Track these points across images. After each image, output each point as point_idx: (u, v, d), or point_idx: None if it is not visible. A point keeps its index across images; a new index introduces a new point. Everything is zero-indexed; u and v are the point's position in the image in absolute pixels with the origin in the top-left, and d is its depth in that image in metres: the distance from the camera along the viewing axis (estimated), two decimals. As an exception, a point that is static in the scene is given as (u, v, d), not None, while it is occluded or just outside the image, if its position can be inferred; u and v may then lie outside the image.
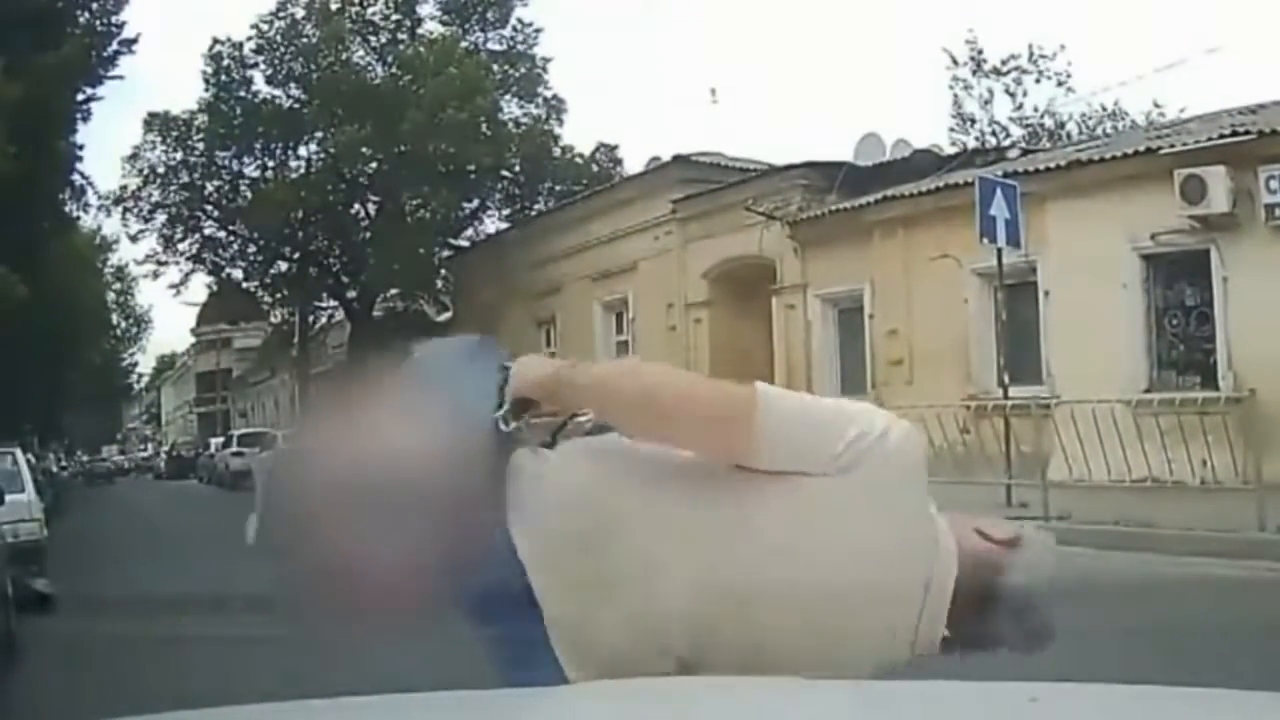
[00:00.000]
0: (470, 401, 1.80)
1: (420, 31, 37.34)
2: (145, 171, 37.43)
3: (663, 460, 1.81)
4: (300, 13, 36.27)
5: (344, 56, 35.92)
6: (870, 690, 1.52)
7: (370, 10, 37.10)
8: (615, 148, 38.52)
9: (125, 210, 37.90)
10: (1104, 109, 33.95)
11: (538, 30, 37.66)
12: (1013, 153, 22.89)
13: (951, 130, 34.20)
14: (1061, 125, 33.92)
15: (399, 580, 1.58)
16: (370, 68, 36.81)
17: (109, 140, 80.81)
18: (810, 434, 1.75)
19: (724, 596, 1.63)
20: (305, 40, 35.99)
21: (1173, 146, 15.62)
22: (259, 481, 1.96)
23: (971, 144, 30.39)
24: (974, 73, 34.08)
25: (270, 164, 37.66)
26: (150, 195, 37.80)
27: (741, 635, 1.60)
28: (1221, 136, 15.01)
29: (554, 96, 37.63)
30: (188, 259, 39.56)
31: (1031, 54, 33.61)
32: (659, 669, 1.57)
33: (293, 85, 36.54)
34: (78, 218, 34.06)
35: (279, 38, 36.31)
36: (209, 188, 38.06)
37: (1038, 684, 1.53)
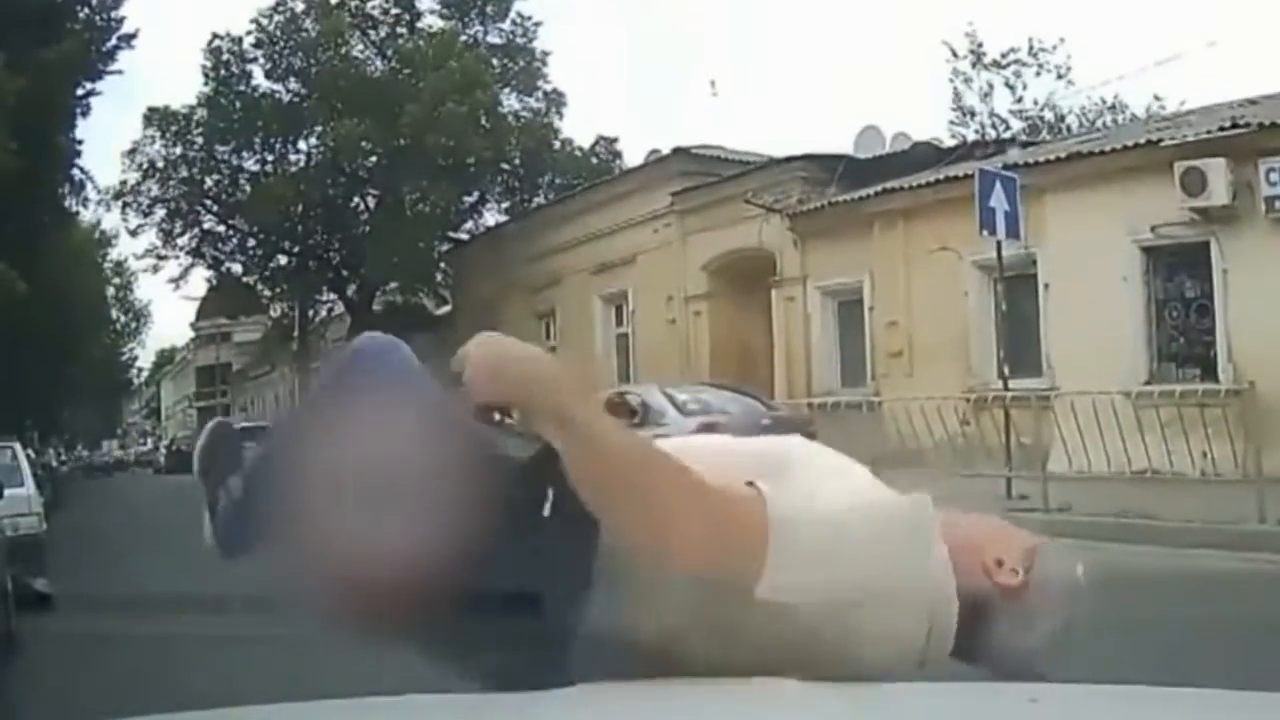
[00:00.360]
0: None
1: (419, 25, 37.32)
2: (145, 166, 37.48)
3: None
4: (299, 7, 36.29)
5: (343, 51, 35.92)
6: (869, 690, 1.52)
7: (369, 4, 37.08)
8: (615, 140, 38.59)
9: (125, 205, 37.97)
10: (1104, 102, 34.06)
11: (537, 24, 37.68)
12: (1012, 145, 22.88)
13: (951, 123, 34.32)
14: (1061, 118, 34.00)
15: (396, 578, 1.56)
16: (370, 62, 36.81)
17: (108, 135, 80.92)
18: (823, 569, 1.55)
19: (729, 606, 1.60)
20: (304, 35, 35.99)
21: (1173, 139, 15.61)
22: (204, 461, 1.74)
23: (971, 137, 30.44)
24: (974, 65, 34.17)
25: (270, 158, 37.67)
26: (150, 190, 37.85)
27: (749, 644, 1.57)
28: (1221, 129, 15.00)
29: (553, 90, 37.66)
30: (187, 253, 39.65)
31: (1031, 47, 33.72)
32: (668, 671, 1.55)
33: (292, 80, 36.55)
34: (77, 213, 34.14)
35: (278, 32, 36.32)
36: (208, 182, 38.07)
37: (1037, 684, 1.53)
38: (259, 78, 36.84)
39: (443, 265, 37.89)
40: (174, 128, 37.03)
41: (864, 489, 1.70)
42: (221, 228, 39.25)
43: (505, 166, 36.45)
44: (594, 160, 37.24)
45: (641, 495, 1.53)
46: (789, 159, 22.57)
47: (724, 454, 1.76)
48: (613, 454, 1.55)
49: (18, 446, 13.03)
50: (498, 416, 1.63)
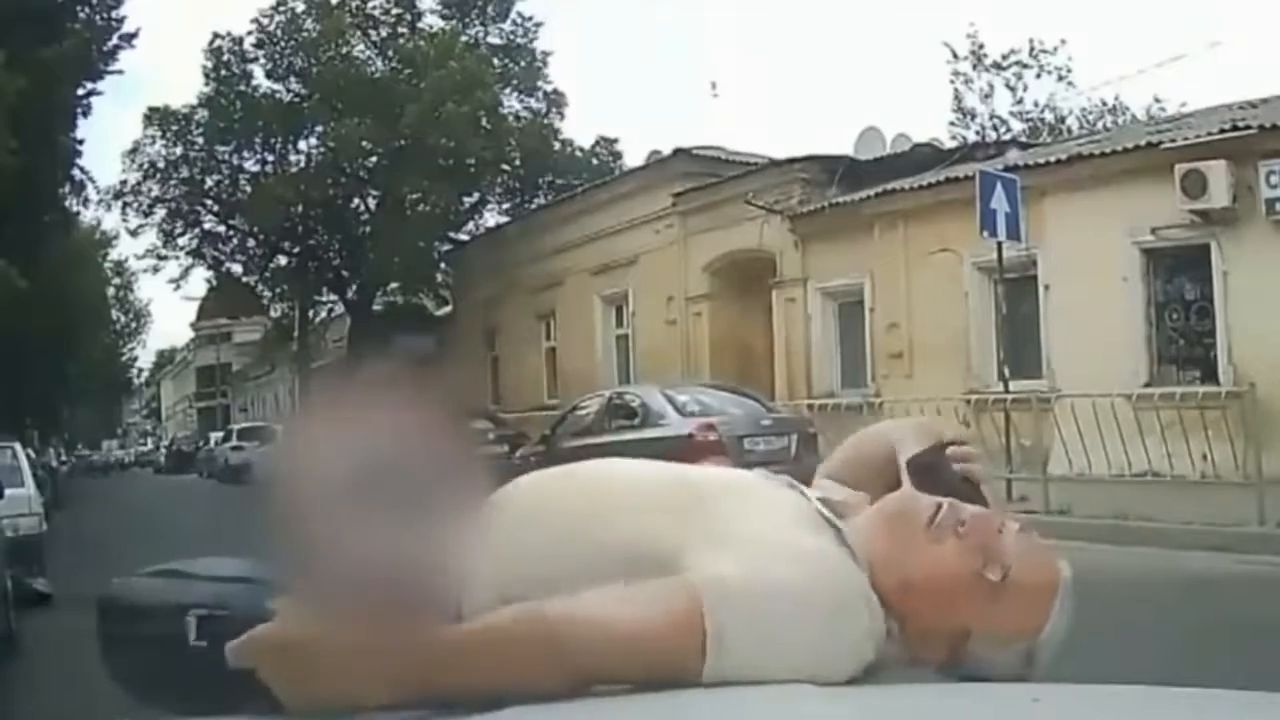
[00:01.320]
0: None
1: (420, 26, 37.31)
2: (145, 166, 37.51)
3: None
4: (300, 7, 36.29)
5: (344, 51, 35.93)
6: (870, 691, 1.51)
7: (370, 4, 37.07)
8: (615, 141, 38.62)
9: (125, 205, 38.00)
10: (1104, 103, 34.12)
11: (538, 24, 37.69)
12: (1013, 147, 22.89)
13: (952, 124, 34.37)
14: (1062, 120, 34.03)
15: (400, 584, 1.55)
16: (370, 62, 36.82)
17: (109, 135, 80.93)
18: (768, 647, 1.45)
19: None
20: (305, 34, 35.99)
21: (1173, 141, 15.61)
22: None
23: (972, 138, 30.47)
24: (974, 67, 34.23)
25: (270, 158, 37.69)
26: (150, 190, 37.88)
27: None
28: (1222, 131, 14.99)
29: (554, 90, 37.66)
30: (187, 253, 39.69)
31: (1032, 48, 33.78)
32: None
33: (293, 79, 36.57)
34: (78, 212, 34.21)
35: (279, 32, 36.33)
36: (209, 182, 38.09)
37: (1038, 684, 1.53)
38: (259, 78, 36.91)
39: (443, 266, 37.89)
40: (174, 127, 37.06)
41: (791, 529, 1.58)
42: (222, 228, 39.28)
43: (506, 167, 36.45)
44: (595, 161, 37.25)
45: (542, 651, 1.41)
46: (790, 160, 22.54)
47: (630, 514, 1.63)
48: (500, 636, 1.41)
49: (18, 446, 13.00)
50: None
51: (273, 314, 44.32)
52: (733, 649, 1.44)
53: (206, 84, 36.78)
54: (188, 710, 1.63)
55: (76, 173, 28.42)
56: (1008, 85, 34.12)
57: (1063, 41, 33.93)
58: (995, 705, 1.50)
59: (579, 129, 71.76)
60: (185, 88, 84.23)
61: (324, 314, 42.27)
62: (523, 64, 36.97)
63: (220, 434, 46.14)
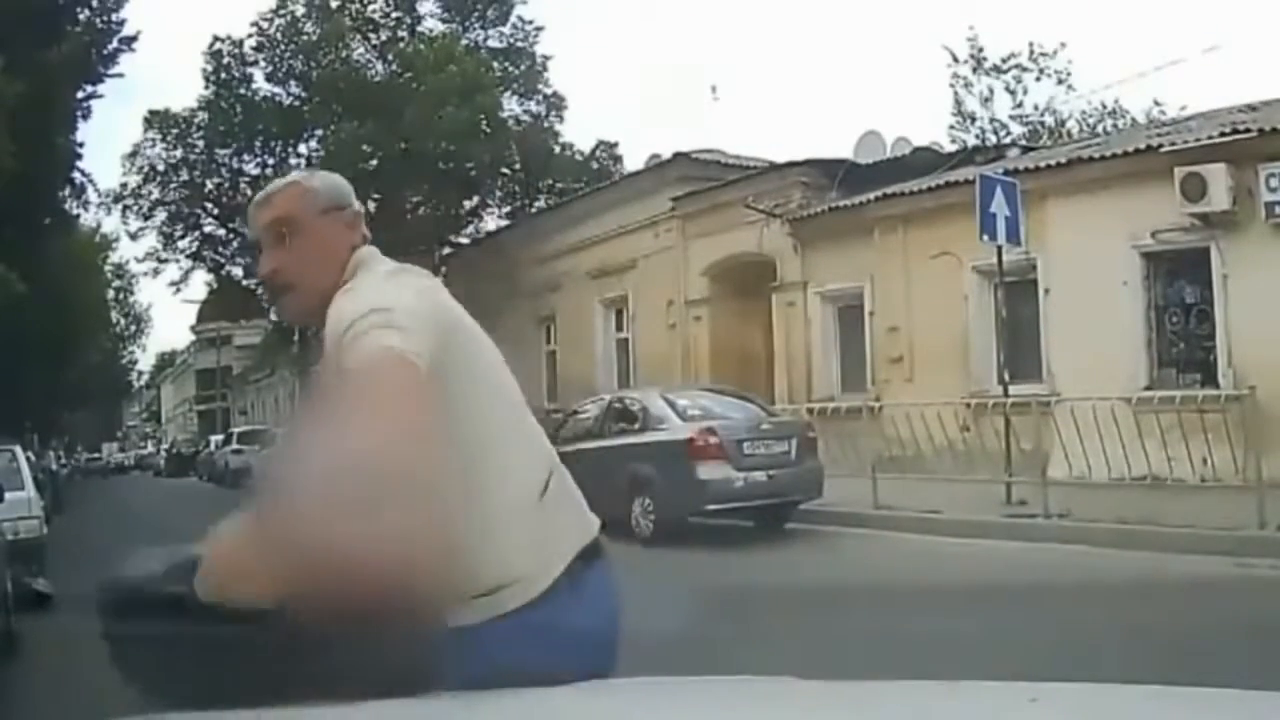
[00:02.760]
0: None
1: (420, 29, 37.32)
2: (145, 169, 37.51)
3: None
4: (300, 10, 36.27)
5: (344, 54, 35.92)
6: (869, 690, 1.52)
7: (370, 8, 37.09)
8: (615, 145, 38.58)
9: (125, 208, 38.00)
10: (1104, 107, 34.18)
11: (538, 28, 37.70)
12: (1013, 150, 22.89)
13: (952, 128, 34.46)
14: (1062, 123, 34.10)
15: (397, 581, 1.55)
16: (370, 65, 36.81)
17: (109, 138, 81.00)
18: None
19: None
20: (305, 38, 35.98)
21: (1173, 144, 15.60)
22: None
23: (972, 141, 30.53)
24: (974, 70, 34.30)
25: (270, 161, 37.63)
26: (150, 193, 37.87)
27: None
28: (1222, 134, 14.99)
29: (554, 94, 37.66)
30: (187, 256, 39.67)
31: (1032, 52, 33.86)
32: None
33: (293, 83, 36.54)
34: (78, 215, 34.13)
35: (279, 35, 36.31)
36: (209, 185, 38.08)
37: (1038, 684, 1.53)
38: (259, 81, 36.87)
39: (443, 270, 37.85)
40: (175, 131, 37.05)
41: None
42: (222, 231, 39.26)
43: (505, 171, 36.44)
44: (594, 165, 37.24)
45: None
46: (790, 164, 22.54)
47: None
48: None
49: (18, 449, 12.98)
50: None
51: (273, 317, 44.26)
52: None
53: (206, 87, 36.78)
54: (187, 703, 1.64)
55: (76, 176, 28.42)
56: (1008, 89, 34.22)
57: (1062, 45, 34.13)
58: (994, 705, 1.50)
59: (579, 133, 71.76)
60: (185, 91, 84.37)
61: (324, 317, 42.26)
62: (523, 68, 36.98)
63: (220, 437, 46.11)
